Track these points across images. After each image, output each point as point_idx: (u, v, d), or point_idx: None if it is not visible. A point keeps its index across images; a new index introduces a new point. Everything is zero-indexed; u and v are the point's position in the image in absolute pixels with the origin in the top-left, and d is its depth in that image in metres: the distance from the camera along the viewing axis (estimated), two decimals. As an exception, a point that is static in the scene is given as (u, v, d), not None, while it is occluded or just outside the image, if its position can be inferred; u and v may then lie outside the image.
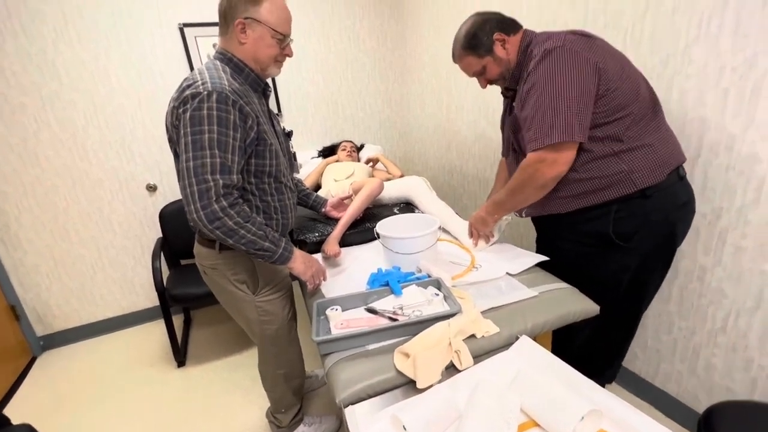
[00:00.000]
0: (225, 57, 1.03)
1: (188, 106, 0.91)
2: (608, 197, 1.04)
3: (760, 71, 1.01)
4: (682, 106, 1.19)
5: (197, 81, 0.93)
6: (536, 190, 1.09)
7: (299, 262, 1.12)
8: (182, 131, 0.92)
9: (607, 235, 1.08)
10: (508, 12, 1.26)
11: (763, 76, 1.01)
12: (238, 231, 0.97)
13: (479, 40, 1.13)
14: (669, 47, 1.19)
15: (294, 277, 1.37)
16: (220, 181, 0.93)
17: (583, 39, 1.01)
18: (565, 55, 0.97)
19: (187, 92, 0.92)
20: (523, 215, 1.29)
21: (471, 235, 1.42)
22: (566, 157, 1.02)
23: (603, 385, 1.39)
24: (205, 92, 0.91)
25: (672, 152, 1.04)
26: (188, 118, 0.91)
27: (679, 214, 1.09)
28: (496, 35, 1.11)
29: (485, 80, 1.21)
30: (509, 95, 1.25)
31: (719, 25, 1.07)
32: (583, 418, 0.66)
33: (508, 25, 1.13)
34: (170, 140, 1.03)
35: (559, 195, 1.11)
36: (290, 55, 1.09)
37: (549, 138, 0.99)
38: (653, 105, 1.05)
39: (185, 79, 0.97)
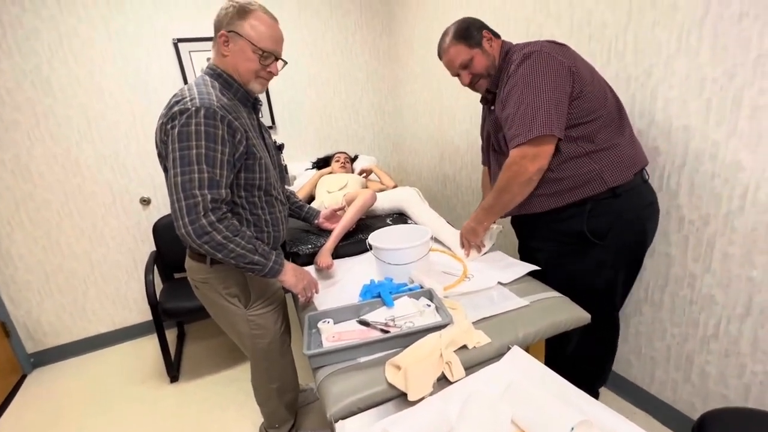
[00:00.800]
0: (215, 72, 1.05)
1: (176, 122, 0.92)
2: (581, 196, 1.12)
3: (740, 82, 1.03)
4: (667, 115, 1.21)
5: (185, 97, 0.94)
6: (522, 186, 1.14)
7: (290, 275, 1.12)
8: (170, 147, 0.93)
9: (582, 233, 1.14)
10: (495, 25, 1.30)
11: (742, 87, 1.03)
12: (227, 245, 0.97)
13: (470, 32, 1.20)
14: (652, 58, 1.22)
15: (287, 290, 1.37)
16: (208, 196, 0.93)
17: (557, 46, 1.11)
18: (542, 58, 1.06)
19: (176, 108, 0.93)
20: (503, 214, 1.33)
21: (462, 245, 1.43)
22: (547, 151, 1.07)
23: (597, 390, 1.38)
24: (193, 108, 0.92)
25: (637, 154, 1.14)
26: (176, 134, 0.92)
27: (647, 212, 1.18)
28: (484, 32, 1.21)
29: (469, 74, 1.24)
30: (489, 97, 1.30)
31: (698, 38, 1.10)
32: (573, 428, 0.66)
33: (492, 31, 1.24)
34: (159, 156, 1.04)
35: (536, 193, 1.17)
36: (274, 73, 1.08)
37: (530, 132, 1.05)
38: (618, 110, 1.14)
39: (174, 96, 0.98)
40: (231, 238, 0.97)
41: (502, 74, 1.19)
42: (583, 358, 1.33)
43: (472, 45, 1.20)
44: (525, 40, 1.21)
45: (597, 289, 1.22)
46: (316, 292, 1.23)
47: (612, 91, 1.16)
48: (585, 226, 1.14)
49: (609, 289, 1.24)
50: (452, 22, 1.25)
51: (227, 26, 0.99)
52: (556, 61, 1.05)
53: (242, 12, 0.99)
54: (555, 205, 1.16)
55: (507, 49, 1.20)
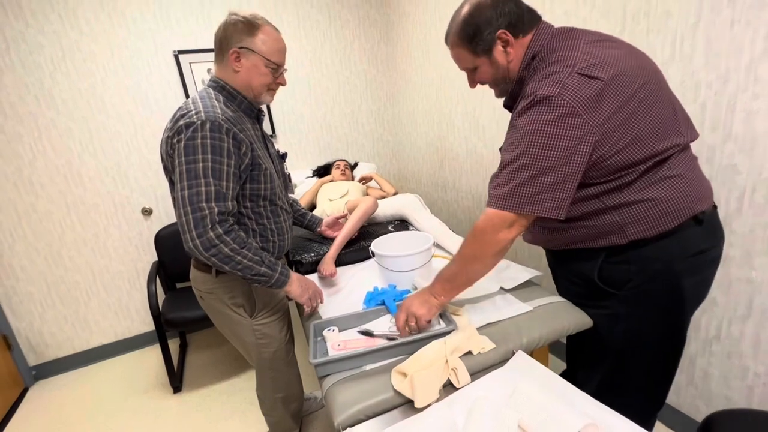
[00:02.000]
0: (218, 85, 1.06)
1: (182, 135, 0.93)
2: (597, 245, 0.92)
3: (733, 87, 1.06)
4: (663, 121, 1.23)
5: (191, 110, 0.95)
6: (493, 258, 0.92)
7: (296, 285, 1.13)
8: (177, 160, 0.94)
9: (591, 280, 0.97)
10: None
11: (736, 92, 1.05)
12: (234, 257, 0.98)
13: (479, 33, 0.89)
14: (647, 65, 1.24)
15: (291, 299, 1.38)
16: (215, 209, 0.94)
17: (594, 90, 0.77)
18: (556, 116, 0.77)
19: (181, 122, 0.94)
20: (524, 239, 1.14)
21: (399, 322, 0.99)
22: (522, 226, 0.87)
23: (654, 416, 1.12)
24: (199, 122, 0.93)
25: (684, 203, 0.85)
26: (182, 148, 0.93)
27: (689, 264, 0.89)
28: (500, 32, 0.88)
29: (474, 80, 1.00)
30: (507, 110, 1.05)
31: (692, 45, 1.12)
32: (579, 432, 0.67)
33: (521, 24, 0.89)
34: (165, 169, 1.05)
35: (549, 235, 1.01)
36: (283, 84, 1.12)
37: (509, 204, 0.84)
38: (676, 144, 0.85)
39: (179, 109, 0.99)
40: (238, 250, 0.98)
41: (524, 89, 0.89)
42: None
43: (477, 52, 0.91)
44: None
45: (614, 342, 1.00)
46: (321, 301, 1.24)
47: (674, 117, 0.86)
48: (596, 273, 0.95)
49: (633, 346, 0.98)
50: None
51: (238, 42, 1.00)
52: (578, 126, 0.77)
53: (251, 27, 1.00)
54: (565, 247, 0.99)
55: (534, 53, 0.88)
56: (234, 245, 0.97)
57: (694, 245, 0.88)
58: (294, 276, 1.13)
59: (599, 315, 1.03)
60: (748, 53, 1.02)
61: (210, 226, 0.93)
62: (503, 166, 0.86)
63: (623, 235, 0.88)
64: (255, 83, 1.05)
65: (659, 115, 0.83)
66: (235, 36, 1.00)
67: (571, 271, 1.05)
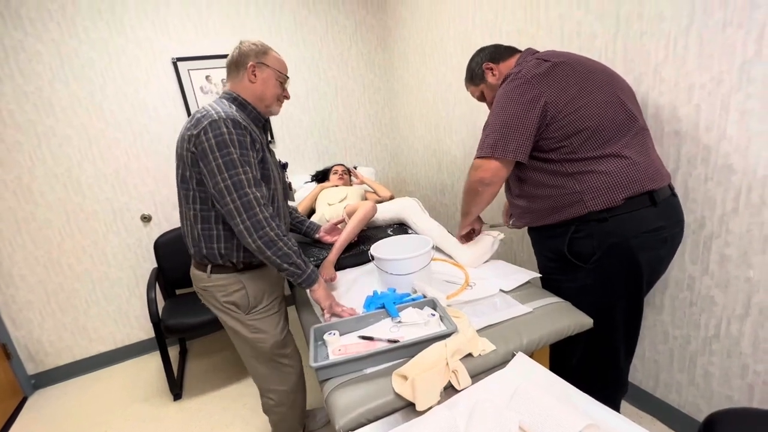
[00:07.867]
0: (231, 96, 1.16)
1: (210, 134, 1.01)
2: (564, 217, 1.09)
3: (726, 88, 1.07)
4: (659, 121, 1.24)
5: (211, 111, 1.05)
6: (467, 195, 1.22)
7: (323, 288, 1.18)
8: (210, 156, 1.02)
9: (563, 253, 1.13)
10: (487, 37, 1.34)
11: (729, 93, 1.06)
12: (277, 242, 1.06)
13: (473, 71, 1.31)
14: (641, 67, 1.26)
15: (291, 301, 1.38)
16: (257, 194, 1.04)
17: (544, 68, 1.06)
18: (514, 84, 1.08)
19: (205, 122, 1.03)
20: (510, 225, 1.41)
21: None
22: (491, 166, 1.10)
23: (617, 402, 1.28)
24: (221, 120, 1.03)
25: (636, 177, 1.02)
26: (214, 144, 1.01)
27: (644, 240, 1.05)
28: (485, 65, 1.26)
29: (489, 103, 1.32)
30: None
31: (685, 47, 1.13)
32: (580, 433, 0.67)
33: (499, 54, 1.26)
34: (179, 165, 1.10)
35: (528, 208, 1.19)
36: (288, 97, 1.25)
37: (480, 150, 1.12)
38: (624, 128, 1.05)
39: (197, 111, 1.08)
40: (281, 236, 1.07)
41: None
42: (585, 378, 1.13)
43: (477, 83, 1.30)
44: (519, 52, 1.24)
45: (585, 311, 1.14)
46: (340, 314, 1.17)
47: (623, 106, 1.06)
48: (566, 247, 1.11)
49: (601, 314, 1.12)
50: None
51: (254, 59, 1.14)
52: (529, 90, 1.04)
53: (264, 48, 1.17)
54: (542, 223, 1.16)
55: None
56: (278, 231, 1.07)
57: (648, 223, 1.04)
58: (321, 279, 1.19)
59: (571, 288, 1.17)
60: (741, 55, 1.03)
61: (258, 209, 1.04)
62: (485, 125, 1.14)
63: (582, 204, 1.05)
64: (268, 93, 1.17)
65: (605, 100, 1.05)
66: (252, 54, 1.15)
67: (547, 246, 1.21)
